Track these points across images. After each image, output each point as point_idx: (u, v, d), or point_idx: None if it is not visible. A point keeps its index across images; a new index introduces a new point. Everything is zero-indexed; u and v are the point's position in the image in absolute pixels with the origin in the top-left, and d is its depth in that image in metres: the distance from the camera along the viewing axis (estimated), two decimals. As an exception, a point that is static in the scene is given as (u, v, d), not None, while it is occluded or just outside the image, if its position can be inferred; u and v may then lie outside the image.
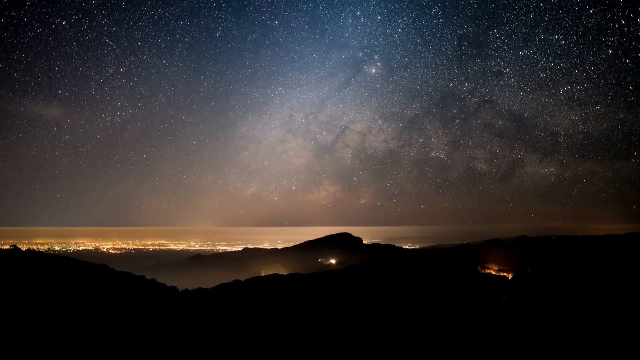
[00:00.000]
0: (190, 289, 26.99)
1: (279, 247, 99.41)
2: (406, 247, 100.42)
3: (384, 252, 68.48)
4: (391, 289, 29.74)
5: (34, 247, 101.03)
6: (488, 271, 41.89)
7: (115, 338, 15.36)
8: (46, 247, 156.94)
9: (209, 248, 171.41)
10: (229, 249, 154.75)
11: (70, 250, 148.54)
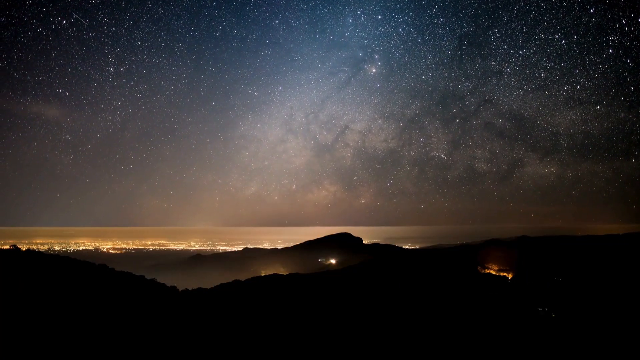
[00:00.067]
0: (190, 289, 26.99)
1: (279, 247, 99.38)
2: (406, 247, 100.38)
3: (384, 252, 68.45)
4: (391, 289, 29.73)
5: (34, 247, 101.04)
6: (488, 271, 41.87)
7: (116, 338, 15.35)
8: (46, 247, 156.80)
9: (209, 248, 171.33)
10: (229, 249, 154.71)
11: (70, 250, 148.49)
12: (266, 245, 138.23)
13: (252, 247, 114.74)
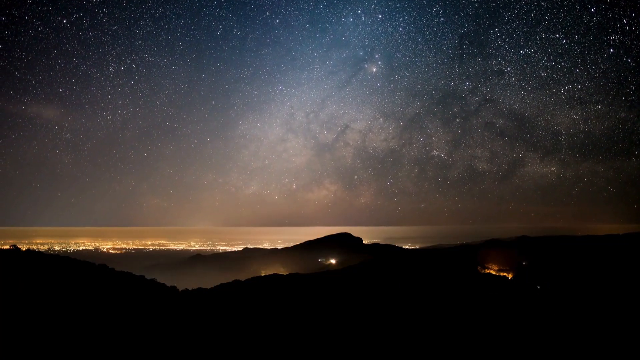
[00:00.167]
0: (190, 289, 27.00)
1: (279, 247, 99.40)
2: (406, 247, 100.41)
3: (384, 252, 68.46)
4: (391, 289, 29.74)
5: (34, 247, 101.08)
6: (488, 271, 41.89)
7: (116, 338, 15.36)
8: (46, 247, 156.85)
9: (209, 248, 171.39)
10: (229, 249, 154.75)
11: (70, 250, 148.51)
12: (266, 245, 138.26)
13: (252, 247, 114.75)
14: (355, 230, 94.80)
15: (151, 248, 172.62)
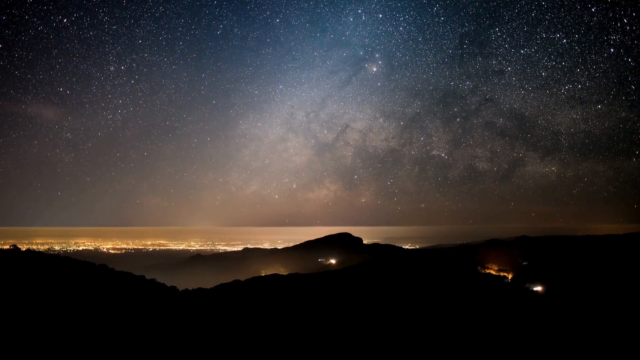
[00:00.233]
0: (190, 289, 27.00)
1: (279, 247, 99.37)
2: (406, 247, 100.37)
3: (384, 252, 68.46)
4: (391, 289, 29.74)
5: (34, 247, 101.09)
6: (488, 271, 41.88)
7: (116, 338, 15.36)
8: (46, 247, 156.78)
9: (209, 248, 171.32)
10: (229, 249, 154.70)
11: (70, 250, 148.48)
12: (266, 245, 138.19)
13: (252, 247, 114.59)
14: (355, 230, 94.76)
15: (151, 248, 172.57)
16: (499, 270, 42.26)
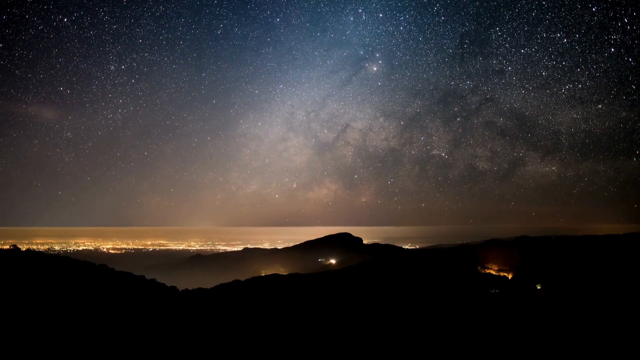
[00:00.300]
0: (190, 289, 27.01)
1: (279, 247, 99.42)
2: (406, 247, 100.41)
3: (384, 252, 68.49)
4: (391, 290, 29.74)
5: (34, 247, 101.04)
6: (488, 271, 41.89)
7: (116, 338, 15.36)
8: (46, 247, 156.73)
9: (209, 248, 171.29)
10: (229, 249, 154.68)
11: (70, 250, 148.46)
12: (266, 245, 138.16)
13: (252, 247, 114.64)
14: (355, 230, 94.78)
15: (151, 248, 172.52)
16: (499, 270, 42.28)
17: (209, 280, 38.54)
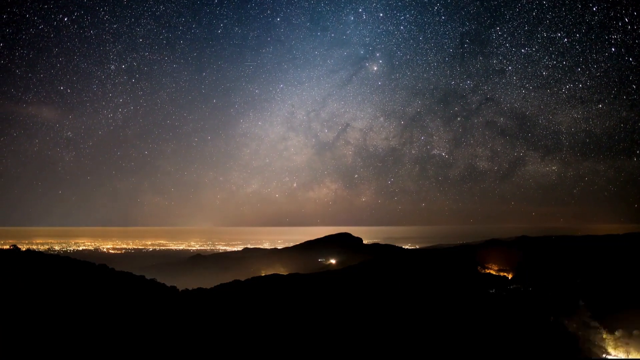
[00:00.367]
0: (190, 289, 27.00)
1: (279, 247, 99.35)
2: (406, 247, 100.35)
3: (384, 252, 68.45)
4: (391, 289, 29.72)
5: (34, 247, 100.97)
6: (488, 271, 41.85)
7: (116, 337, 15.35)
8: (46, 247, 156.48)
9: (209, 248, 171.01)
10: (229, 249, 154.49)
11: (70, 250, 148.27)
12: (266, 245, 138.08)
13: (252, 247, 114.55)
14: (355, 230, 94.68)
15: (151, 248, 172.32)
16: (499, 270, 42.24)
17: (209, 281, 38.51)
